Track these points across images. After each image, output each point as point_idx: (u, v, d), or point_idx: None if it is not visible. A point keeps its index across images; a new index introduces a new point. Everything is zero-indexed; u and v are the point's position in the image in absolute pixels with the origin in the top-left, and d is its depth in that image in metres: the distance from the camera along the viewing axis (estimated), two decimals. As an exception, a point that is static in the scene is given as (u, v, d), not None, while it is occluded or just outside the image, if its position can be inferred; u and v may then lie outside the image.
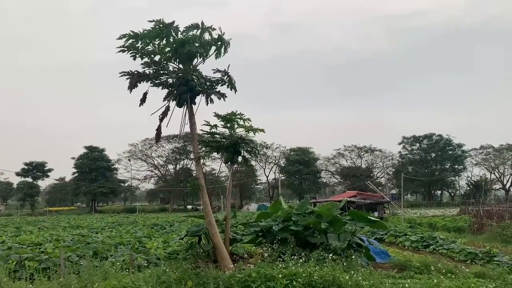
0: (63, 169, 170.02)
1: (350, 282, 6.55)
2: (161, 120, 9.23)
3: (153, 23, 8.23)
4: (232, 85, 9.43)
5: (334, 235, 9.82)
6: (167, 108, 9.28)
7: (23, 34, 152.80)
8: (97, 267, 8.06)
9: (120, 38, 8.33)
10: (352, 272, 7.09)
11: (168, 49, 8.78)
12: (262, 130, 10.00)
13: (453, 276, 7.75)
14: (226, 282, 6.97)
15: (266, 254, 8.90)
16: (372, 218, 11.19)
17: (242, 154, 10.15)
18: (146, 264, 10.29)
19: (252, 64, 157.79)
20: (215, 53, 9.03)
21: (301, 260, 8.02)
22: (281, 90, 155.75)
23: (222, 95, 9.62)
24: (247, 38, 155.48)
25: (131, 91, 8.93)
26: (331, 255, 8.33)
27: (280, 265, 7.58)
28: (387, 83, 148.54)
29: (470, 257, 12.61)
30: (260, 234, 11.08)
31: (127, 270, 8.66)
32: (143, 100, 9.10)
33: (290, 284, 6.74)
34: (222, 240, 9.06)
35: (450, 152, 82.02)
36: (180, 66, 9.26)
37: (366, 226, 12.61)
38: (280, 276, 6.89)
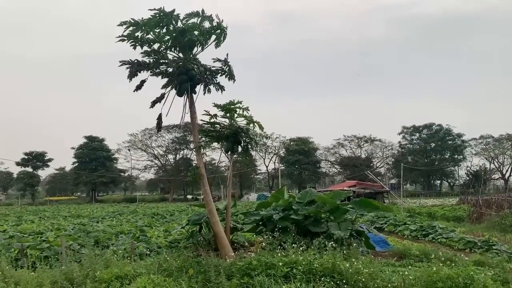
0: (63, 159, 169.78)
1: (350, 270, 6.57)
2: (152, 105, 9.16)
3: (154, 11, 8.15)
4: (231, 75, 9.35)
5: (335, 224, 9.84)
6: (162, 95, 9.23)
7: (22, 26, 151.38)
8: (99, 256, 8.08)
9: (120, 24, 8.23)
10: (353, 260, 7.12)
11: (168, 37, 8.69)
12: (261, 127, 9.99)
13: (453, 264, 7.77)
14: (227, 270, 7.00)
15: (266, 243, 8.93)
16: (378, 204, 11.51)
17: (242, 144, 10.12)
18: (148, 253, 10.36)
19: (250, 53, 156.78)
20: (215, 42, 8.95)
21: (301, 249, 8.04)
22: (280, 79, 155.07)
23: (221, 87, 9.52)
24: (245, 27, 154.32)
25: (130, 80, 8.89)
26: (331, 243, 8.37)
27: (280, 253, 7.59)
28: (386, 73, 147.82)
29: (469, 246, 12.70)
30: (260, 223, 11.11)
31: (128, 258, 8.70)
32: (139, 87, 9.04)
33: (290, 272, 6.76)
34: (223, 229, 9.09)
35: (449, 142, 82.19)
36: (180, 55, 9.18)
37: (367, 215, 12.75)
38: (280, 264, 6.92)
